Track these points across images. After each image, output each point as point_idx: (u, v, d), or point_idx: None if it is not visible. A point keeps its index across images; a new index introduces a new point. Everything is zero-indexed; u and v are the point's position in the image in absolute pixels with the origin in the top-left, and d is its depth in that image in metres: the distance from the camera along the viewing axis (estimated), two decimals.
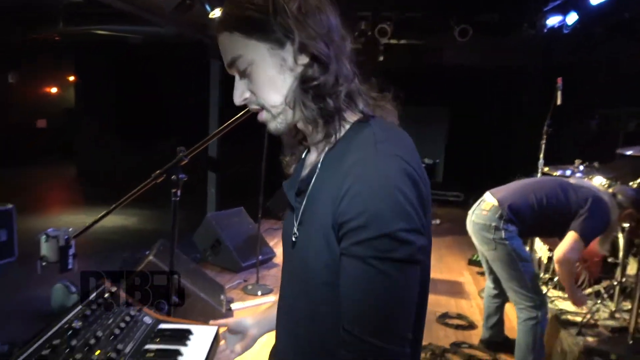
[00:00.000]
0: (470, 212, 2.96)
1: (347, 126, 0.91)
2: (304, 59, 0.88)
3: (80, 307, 1.14)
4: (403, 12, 5.89)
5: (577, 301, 2.95)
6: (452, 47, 6.82)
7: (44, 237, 4.51)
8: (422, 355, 3.01)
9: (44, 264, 4.37)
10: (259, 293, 3.79)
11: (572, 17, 5.07)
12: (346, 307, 0.81)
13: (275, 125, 0.94)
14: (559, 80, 3.83)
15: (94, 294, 1.22)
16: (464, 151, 8.49)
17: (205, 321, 1.29)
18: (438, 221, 6.78)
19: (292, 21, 0.85)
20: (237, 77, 0.94)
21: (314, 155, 0.98)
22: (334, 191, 0.83)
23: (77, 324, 1.07)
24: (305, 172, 0.98)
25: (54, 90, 12.27)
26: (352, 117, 0.92)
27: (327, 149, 0.92)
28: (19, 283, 4.26)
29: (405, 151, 0.85)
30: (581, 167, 3.87)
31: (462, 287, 4.58)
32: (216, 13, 4.66)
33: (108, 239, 5.57)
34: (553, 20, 5.22)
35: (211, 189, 6.59)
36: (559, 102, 3.84)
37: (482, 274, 4.92)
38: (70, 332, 1.04)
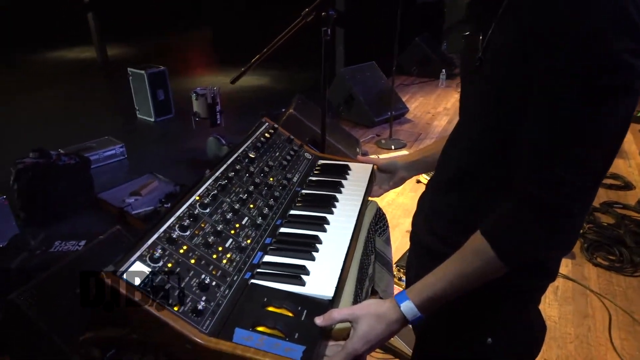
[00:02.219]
0: None
1: None
2: None
3: (252, 139, 1.22)
4: None
5: None
6: None
7: (194, 95, 4.96)
8: None
9: (197, 119, 4.89)
10: (393, 147, 3.81)
11: None
12: (538, 136, 0.72)
13: None
14: None
15: (260, 130, 1.29)
16: None
17: None
18: None
19: None
20: None
21: None
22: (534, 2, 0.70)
23: (252, 154, 1.15)
24: None
25: None
26: None
27: None
28: (178, 136, 4.84)
29: None
30: None
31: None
32: None
33: (245, 97, 5.93)
34: None
35: (339, 46, 6.44)
36: None
37: None
38: (247, 160, 1.14)
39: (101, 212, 3.25)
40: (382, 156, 3.66)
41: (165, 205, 3.14)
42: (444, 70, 5.17)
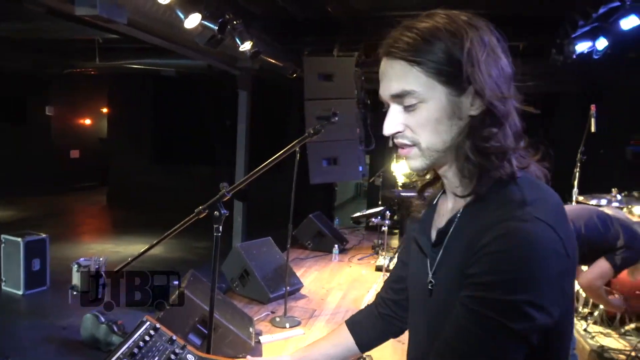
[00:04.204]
0: None
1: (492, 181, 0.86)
2: (477, 110, 0.85)
3: (127, 344, 1.14)
4: None
5: (618, 309, 3.23)
6: None
7: (75, 266, 4.60)
8: None
9: (74, 293, 4.46)
10: (287, 325, 3.73)
11: (601, 43, 5.02)
12: (439, 348, 0.82)
13: (420, 164, 0.90)
14: (593, 108, 3.78)
15: (140, 331, 1.21)
16: None
17: (234, 354, 1.27)
18: None
19: (480, 73, 0.82)
20: (394, 107, 0.89)
21: (449, 203, 0.96)
22: (473, 243, 0.81)
23: None
24: (442, 221, 0.96)
25: (87, 121, 12.74)
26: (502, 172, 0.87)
27: (468, 200, 0.90)
28: (50, 312, 4.32)
29: (554, 217, 0.79)
30: (619, 197, 3.75)
31: None
32: (246, 46, 4.79)
33: (136, 267, 5.61)
34: (582, 47, 5.17)
35: (237, 217, 6.64)
36: (592, 129, 3.78)
37: None
38: None
39: None
40: (276, 335, 3.54)
41: None
42: (336, 245, 5.46)
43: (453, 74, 0.82)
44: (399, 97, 0.86)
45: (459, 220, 0.89)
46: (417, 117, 0.85)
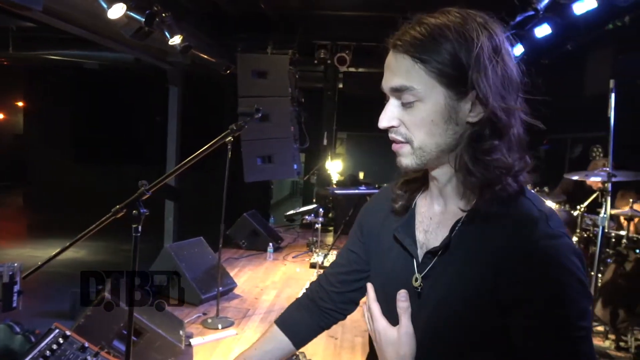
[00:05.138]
0: None
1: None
2: (476, 118, 0.84)
3: (32, 354, 1.06)
4: (360, 42, 6.09)
5: None
6: None
7: None
8: None
9: None
10: (220, 326, 3.66)
11: (518, 49, 5.38)
12: None
13: (410, 163, 0.89)
14: None
15: (47, 339, 1.14)
16: None
17: (163, 359, 1.23)
18: None
19: (485, 80, 0.81)
20: (392, 101, 0.88)
21: (436, 206, 0.96)
22: (498, 263, 0.81)
23: None
24: (430, 224, 0.95)
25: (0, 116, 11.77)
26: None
27: (468, 209, 0.88)
28: None
29: (565, 227, 0.85)
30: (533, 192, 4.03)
31: None
32: (176, 40, 4.64)
33: (56, 272, 5.27)
34: None
35: (169, 217, 6.43)
36: None
37: None
38: None
39: None
40: (207, 337, 3.46)
41: None
42: (271, 244, 5.44)
43: (456, 77, 0.82)
44: (397, 92, 0.86)
45: (461, 230, 0.88)
46: (413, 116, 0.85)
